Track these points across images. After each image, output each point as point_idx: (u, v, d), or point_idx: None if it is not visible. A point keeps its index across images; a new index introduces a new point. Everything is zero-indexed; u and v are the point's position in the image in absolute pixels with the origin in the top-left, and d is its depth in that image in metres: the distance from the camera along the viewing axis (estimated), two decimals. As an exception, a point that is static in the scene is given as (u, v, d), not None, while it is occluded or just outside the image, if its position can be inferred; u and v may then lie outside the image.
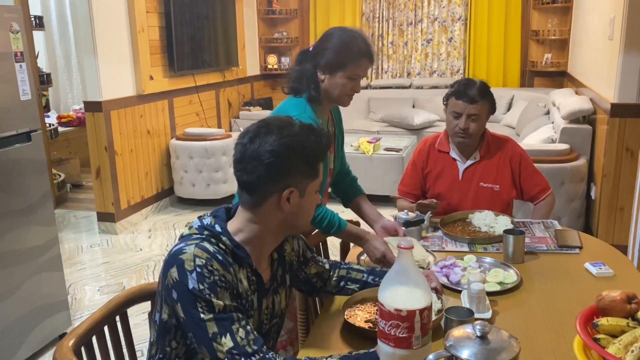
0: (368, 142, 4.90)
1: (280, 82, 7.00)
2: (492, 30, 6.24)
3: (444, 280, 1.65)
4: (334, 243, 2.98)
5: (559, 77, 6.12)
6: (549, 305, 1.54)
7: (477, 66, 6.33)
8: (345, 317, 1.39)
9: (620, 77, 3.40)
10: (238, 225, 1.28)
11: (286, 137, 1.22)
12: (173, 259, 1.19)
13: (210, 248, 1.20)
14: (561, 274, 1.73)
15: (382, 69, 6.83)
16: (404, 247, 1.05)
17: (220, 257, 1.19)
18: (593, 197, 3.82)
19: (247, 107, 6.22)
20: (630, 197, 3.38)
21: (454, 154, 2.32)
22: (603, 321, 1.11)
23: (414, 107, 6.31)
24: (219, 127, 5.85)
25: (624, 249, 2.84)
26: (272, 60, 6.88)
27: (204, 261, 1.17)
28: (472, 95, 2.17)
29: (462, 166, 2.31)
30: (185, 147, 4.77)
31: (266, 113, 5.74)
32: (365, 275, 1.57)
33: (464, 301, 1.49)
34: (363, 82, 6.73)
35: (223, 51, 5.69)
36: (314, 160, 1.26)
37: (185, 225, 1.30)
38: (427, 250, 1.86)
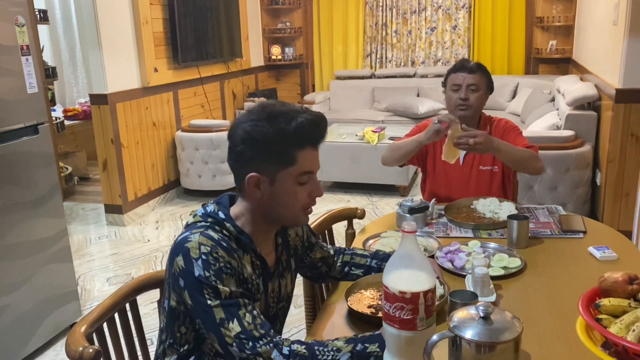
0: (373, 131, 4.91)
1: (285, 73, 7.06)
2: (496, 17, 6.21)
3: (448, 265, 1.67)
4: (339, 231, 3.01)
5: (564, 64, 6.09)
6: (553, 289, 1.55)
7: (482, 54, 6.31)
8: (348, 303, 1.40)
9: (625, 62, 3.39)
10: (237, 210, 1.30)
11: (251, 121, 1.22)
12: (179, 248, 1.21)
13: (215, 235, 1.22)
14: (565, 258, 1.74)
15: (386, 58, 6.81)
16: (408, 230, 1.07)
17: (224, 244, 1.21)
18: (598, 183, 3.82)
19: (251, 98, 6.23)
20: (635, 182, 3.38)
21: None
22: (605, 302, 1.12)
23: (418, 96, 6.30)
24: (224, 118, 5.87)
25: (629, 235, 2.85)
26: (275, 51, 6.88)
27: (209, 249, 1.18)
28: (469, 67, 2.26)
29: (462, 151, 2.32)
30: (191, 139, 4.80)
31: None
32: (368, 260, 1.58)
33: (468, 285, 1.51)
34: (367, 71, 6.73)
35: (227, 42, 5.70)
36: (280, 145, 1.20)
37: (190, 214, 1.32)
38: (433, 239, 1.87)
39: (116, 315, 1.43)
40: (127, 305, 1.47)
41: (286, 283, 1.42)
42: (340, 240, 3.31)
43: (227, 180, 4.83)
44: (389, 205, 4.60)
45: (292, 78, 7.12)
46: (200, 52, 5.19)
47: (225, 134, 4.91)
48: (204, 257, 1.17)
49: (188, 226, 1.28)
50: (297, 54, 6.95)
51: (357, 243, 1.91)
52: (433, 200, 2.13)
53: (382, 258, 1.57)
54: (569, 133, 3.79)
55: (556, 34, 6.06)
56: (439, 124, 2.09)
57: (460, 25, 6.45)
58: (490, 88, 2.30)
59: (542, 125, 4.17)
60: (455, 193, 2.30)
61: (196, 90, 5.33)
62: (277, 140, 1.20)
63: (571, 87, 4.18)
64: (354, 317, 1.39)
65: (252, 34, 6.47)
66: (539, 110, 4.79)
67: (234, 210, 1.30)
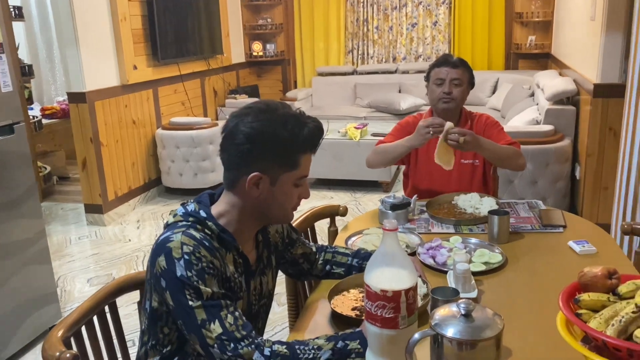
0: (355, 127, 4.91)
1: (266, 69, 7.02)
2: (476, 13, 6.25)
3: (430, 261, 1.67)
4: (322, 228, 3.00)
5: (543, 59, 6.15)
6: (534, 284, 1.57)
7: (462, 50, 6.34)
8: (332, 306, 1.39)
9: (602, 57, 3.43)
10: (220, 208, 1.29)
11: (261, 121, 1.21)
12: (160, 248, 1.19)
13: (197, 235, 1.21)
14: (545, 252, 1.76)
15: (367, 55, 6.82)
16: (389, 228, 1.06)
17: (207, 243, 1.20)
18: (577, 177, 3.86)
19: (233, 95, 6.19)
20: (614, 176, 3.43)
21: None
22: (585, 297, 1.13)
23: (400, 92, 6.31)
24: (205, 116, 5.82)
25: (608, 228, 2.89)
26: (257, 47, 6.84)
27: (191, 248, 1.17)
28: (453, 61, 2.28)
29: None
30: (172, 137, 4.75)
31: (252, 101, 5.72)
32: (349, 258, 1.58)
33: (450, 281, 1.51)
34: (349, 67, 6.73)
35: (207, 39, 5.65)
36: (289, 150, 1.23)
37: (170, 213, 1.30)
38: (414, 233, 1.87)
39: (95, 319, 1.40)
40: (107, 308, 1.44)
41: (267, 280, 1.42)
42: (323, 237, 3.30)
43: (209, 179, 4.80)
44: (372, 202, 4.60)
45: (273, 74, 7.09)
46: (180, 48, 5.13)
47: (206, 131, 4.90)
48: (186, 257, 1.16)
49: (168, 226, 1.27)
50: (279, 50, 6.92)
51: (339, 240, 1.91)
52: (415, 196, 2.14)
53: (363, 257, 1.57)
54: (548, 128, 3.83)
55: (535, 29, 6.11)
56: (431, 135, 2.09)
57: (441, 21, 6.47)
58: (471, 83, 2.32)
59: (522, 120, 4.21)
60: (437, 186, 2.32)
61: (176, 87, 5.28)
62: (290, 144, 1.22)
63: (550, 82, 4.22)
64: (337, 319, 1.38)
65: (233, 30, 6.42)
66: (519, 105, 4.83)
67: (216, 208, 1.29)
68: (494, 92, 6.02)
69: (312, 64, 6.90)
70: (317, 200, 4.68)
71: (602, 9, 3.42)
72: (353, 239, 1.89)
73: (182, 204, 1.30)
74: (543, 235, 1.88)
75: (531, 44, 6.08)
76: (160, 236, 1.24)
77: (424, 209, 2.13)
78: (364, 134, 4.89)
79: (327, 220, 2.09)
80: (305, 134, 1.23)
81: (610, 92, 3.44)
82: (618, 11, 3.33)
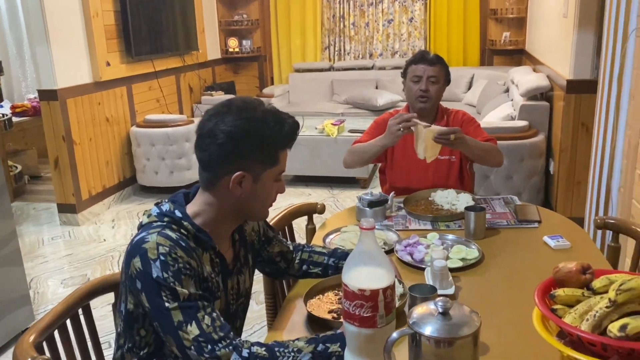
0: (332, 124, 4.90)
1: (243, 66, 6.97)
2: (451, 9, 6.29)
3: (407, 258, 1.68)
4: (300, 225, 2.99)
5: (518, 55, 6.23)
6: (510, 279, 1.58)
7: (438, 46, 6.38)
8: (308, 309, 1.38)
9: (575, 54, 3.48)
10: (196, 208, 1.27)
11: (243, 119, 1.20)
12: (136, 249, 1.17)
13: (173, 235, 1.19)
14: (521, 248, 1.78)
15: (344, 51, 6.81)
16: (366, 227, 1.06)
17: (183, 244, 1.19)
18: (551, 172, 3.92)
19: (209, 92, 6.13)
20: (586, 171, 3.49)
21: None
22: (560, 292, 1.15)
23: (377, 88, 6.33)
24: (181, 113, 5.76)
25: (581, 222, 2.94)
26: (232, 43, 6.79)
27: (167, 249, 1.16)
28: (430, 59, 2.28)
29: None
30: (147, 135, 4.68)
31: (228, 97, 5.66)
32: (326, 258, 1.57)
33: (428, 278, 1.52)
34: (326, 64, 6.72)
35: (182, 35, 5.58)
36: (272, 147, 1.24)
37: (144, 214, 1.28)
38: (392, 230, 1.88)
39: (68, 322, 1.37)
40: (80, 311, 1.41)
41: (245, 279, 1.41)
42: (301, 234, 3.30)
43: (185, 176, 4.75)
44: (349, 198, 4.61)
45: (250, 71, 7.04)
46: (154, 45, 5.06)
47: (182, 128, 4.85)
48: (162, 257, 1.14)
49: (143, 227, 1.25)
50: (255, 47, 6.88)
51: (317, 238, 1.90)
52: (392, 193, 2.14)
53: (339, 256, 1.56)
54: (523, 123, 3.88)
55: (510, 25, 6.18)
56: (402, 132, 2.09)
57: (417, 17, 6.50)
58: (447, 80, 2.33)
59: (497, 115, 4.25)
60: (414, 183, 2.32)
61: (151, 84, 5.21)
62: (272, 141, 1.23)
63: (524, 78, 4.27)
64: (315, 322, 1.36)
65: (208, 26, 6.35)
66: (494, 101, 4.88)
67: (192, 207, 1.28)
68: (469, 88, 6.07)
69: (289, 60, 6.87)
70: (294, 197, 4.67)
71: (574, 6, 3.47)
72: (331, 236, 1.89)
73: (157, 204, 1.28)
74: (519, 230, 1.90)
75: (505, 40, 6.15)
76: (134, 237, 1.21)
77: (402, 205, 2.14)
78: (341, 130, 4.88)
79: (305, 218, 2.08)
80: (286, 130, 1.23)
81: (582, 88, 3.50)
82: (590, 9, 3.38)
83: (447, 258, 1.63)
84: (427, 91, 2.26)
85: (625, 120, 2.34)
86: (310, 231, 2.07)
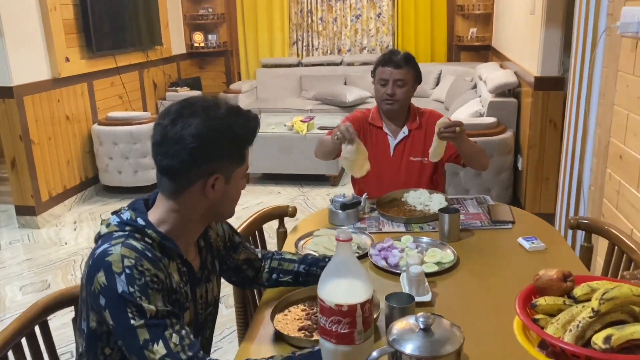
0: (301, 121, 4.84)
1: (209, 61, 6.83)
2: (419, 5, 6.29)
3: (382, 263, 1.63)
4: (272, 227, 2.92)
5: (484, 51, 6.27)
6: (487, 284, 1.56)
7: (406, 41, 6.38)
8: (276, 327, 1.29)
9: (543, 51, 3.50)
10: (159, 216, 1.20)
11: (212, 119, 1.14)
12: (99, 263, 1.09)
13: (138, 245, 1.12)
14: (496, 250, 1.75)
15: (312, 46, 6.74)
16: (342, 239, 1.00)
17: (149, 254, 1.11)
18: (520, 169, 3.95)
19: (174, 88, 5.98)
20: (555, 167, 3.52)
21: (386, 128, 2.32)
22: (541, 301, 1.11)
23: (345, 84, 6.29)
24: (145, 110, 5.60)
25: (549, 217, 2.95)
26: (198, 38, 6.64)
27: (133, 261, 1.08)
28: (396, 61, 2.24)
29: (393, 142, 2.31)
30: (109, 133, 4.53)
31: (194, 94, 5.54)
32: (296, 265, 1.51)
33: (404, 284, 1.48)
34: (294, 59, 6.64)
35: (145, 29, 5.42)
36: (242, 145, 1.21)
37: (101, 223, 1.19)
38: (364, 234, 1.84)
39: (24, 341, 1.28)
40: (37, 329, 1.32)
41: (213, 287, 1.36)
42: (272, 236, 3.22)
43: (150, 176, 4.61)
44: (319, 196, 4.56)
45: (216, 66, 6.91)
46: (116, 40, 4.89)
47: (146, 126, 4.71)
48: (127, 271, 1.07)
49: (102, 237, 1.16)
50: (221, 41, 6.74)
51: (289, 242, 1.85)
52: (365, 195, 2.10)
53: (310, 263, 1.51)
54: (491, 120, 3.89)
55: (476, 21, 6.21)
56: (337, 140, 2.05)
57: (385, 13, 6.48)
58: (418, 80, 2.30)
59: (465, 112, 4.26)
60: (386, 184, 2.28)
61: (113, 80, 5.04)
62: (242, 139, 1.20)
63: (492, 74, 4.29)
64: (283, 340, 1.28)
65: (172, 20, 6.20)
66: (462, 97, 4.89)
67: (154, 215, 1.20)
68: (437, 84, 6.08)
69: (256, 55, 6.76)
70: (264, 195, 4.59)
71: (541, 3, 3.48)
72: (303, 241, 1.83)
73: (115, 213, 1.20)
74: (493, 231, 1.88)
75: (472, 36, 6.18)
76: (95, 249, 1.13)
77: (374, 207, 2.09)
78: (310, 127, 4.82)
79: (277, 221, 2.02)
80: (252, 125, 1.21)
81: (550, 85, 3.52)
82: (557, 6, 3.40)
83: (422, 262, 1.60)
84: (394, 95, 2.24)
85: (596, 119, 2.35)
86: (282, 235, 2.01)
